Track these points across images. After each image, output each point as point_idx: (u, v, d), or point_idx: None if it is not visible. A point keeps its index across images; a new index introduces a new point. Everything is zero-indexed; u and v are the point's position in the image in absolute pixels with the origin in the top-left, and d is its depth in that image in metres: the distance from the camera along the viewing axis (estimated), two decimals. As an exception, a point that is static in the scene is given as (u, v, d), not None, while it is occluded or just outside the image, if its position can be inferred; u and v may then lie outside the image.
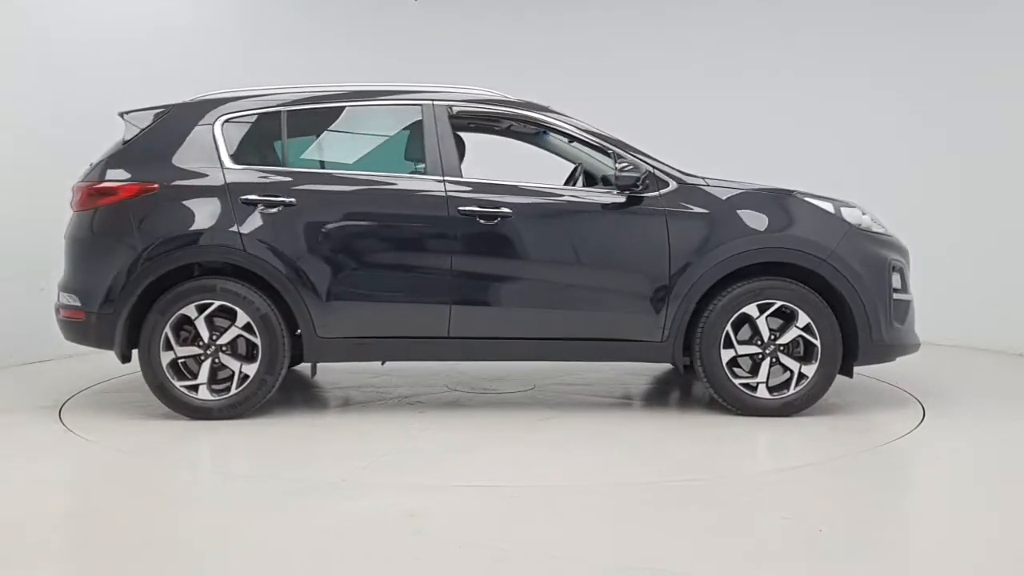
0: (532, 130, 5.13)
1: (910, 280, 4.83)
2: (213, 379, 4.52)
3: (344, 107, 4.81)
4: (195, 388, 4.50)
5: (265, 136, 4.77)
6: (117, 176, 4.58)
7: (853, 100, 7.59)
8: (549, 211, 4.63)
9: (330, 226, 4.54)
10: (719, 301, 4.51)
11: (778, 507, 3.31)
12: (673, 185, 4.59)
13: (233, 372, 4.52)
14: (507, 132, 5.30)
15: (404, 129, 4.81)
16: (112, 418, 4.60)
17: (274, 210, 4.50)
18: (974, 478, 3.78)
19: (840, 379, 4.65)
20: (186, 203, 4.53)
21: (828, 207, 4.66)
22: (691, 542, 2.92)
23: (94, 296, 4.50)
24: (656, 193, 4.56)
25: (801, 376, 4.54)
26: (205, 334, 4.49)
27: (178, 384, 4.49)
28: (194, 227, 4.49)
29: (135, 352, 4.58)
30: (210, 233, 4.48)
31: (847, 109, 7.60)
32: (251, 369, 4.50)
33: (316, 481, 3.54)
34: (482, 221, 4.52)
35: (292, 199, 4.52)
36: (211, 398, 4.50)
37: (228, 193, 4.52)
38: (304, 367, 5.92)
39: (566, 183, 5.22)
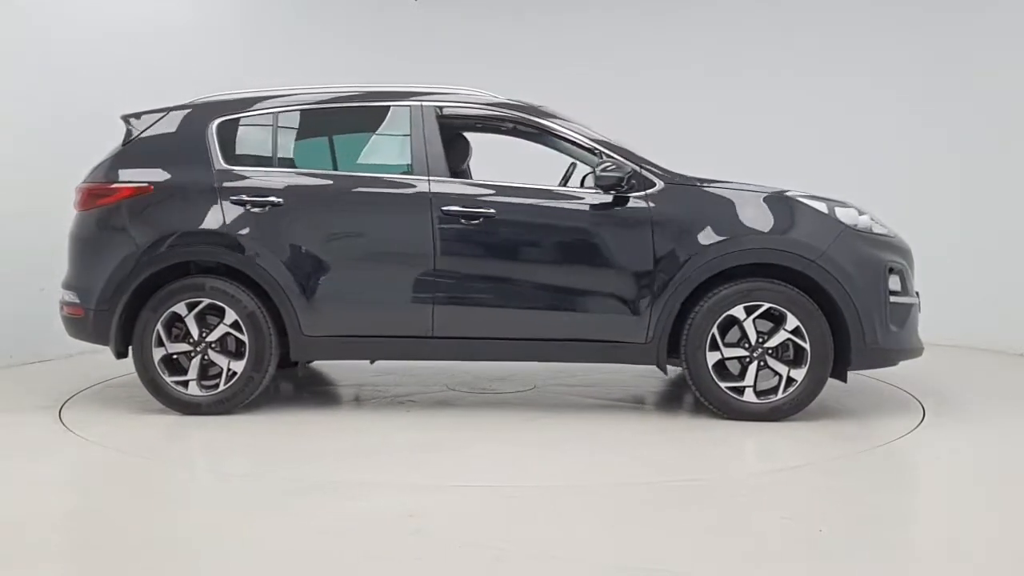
0: (532, 130, 5.12)
1: (912, 283, 4.70)
2: (203, 375, 4.61)
3: (335, 109, 4.86)
4: (186, 384, 4.59)
5: (257, 138, 4.83)
6: (115, 177, 4.73)
7: (853, 100, 7.59)
8: (533, 211, 4.60)
9: (315, 226, 4.58)
10: (705, 303, 4.45)
11: (778, 507, 3.31)
12: (660, 185, 4.54)
13: (222, 369, 4.59)
14: (513, 132, 5.28)
15: (391, 131, 4.83)
16: (112, 418, 4.61)
17: (262, 210, 4.56)
18: (974, 478, 3.78)
19: (840, 381, 4.61)
20: (178, 203, 4.64)
21: (822, 207, 4.56)
22: (691, 542, 2.92)
23: (92, 293, 4.64)
24: (642, 193, 4.53)
25: (790, 380, 4.44)
26: (195, 331, 4.58)
27: (169, 379, 4.58)
28: (184, 227, 4.60)
29: (131, 349, 4.66)
30: (199, 233, 4.58)
31: (847, 109, 7.59)
32: (239, 366, 4.57)
33: (315, 480, 3.54)
34: (465, 221, 4.52)
35: (280, 199, 4.57)
36: (200, 394, 4.59)
37: (218, 193, 4.59)
38: (312, 365, 5.94)
39: (561, 181, 5.20)
